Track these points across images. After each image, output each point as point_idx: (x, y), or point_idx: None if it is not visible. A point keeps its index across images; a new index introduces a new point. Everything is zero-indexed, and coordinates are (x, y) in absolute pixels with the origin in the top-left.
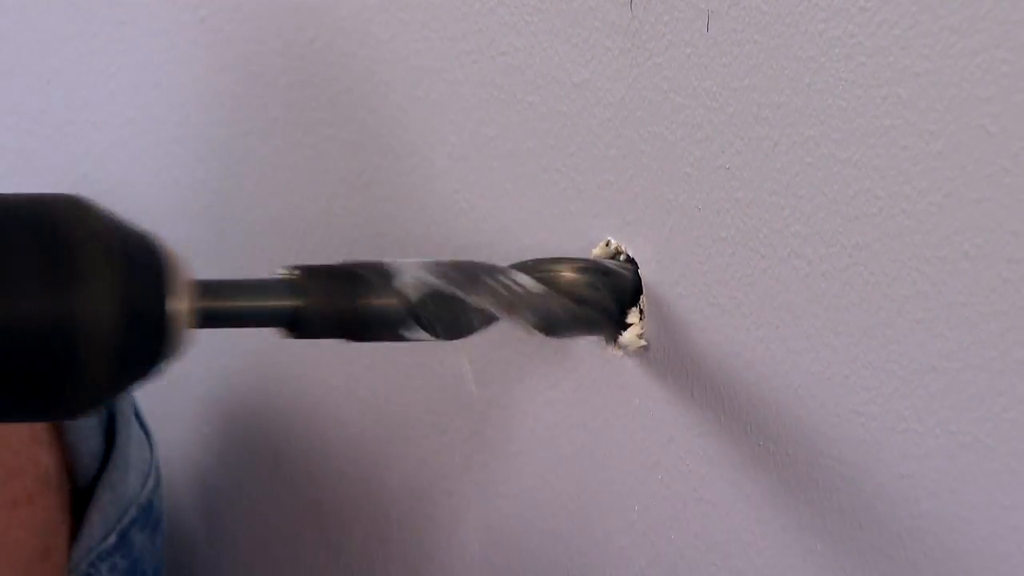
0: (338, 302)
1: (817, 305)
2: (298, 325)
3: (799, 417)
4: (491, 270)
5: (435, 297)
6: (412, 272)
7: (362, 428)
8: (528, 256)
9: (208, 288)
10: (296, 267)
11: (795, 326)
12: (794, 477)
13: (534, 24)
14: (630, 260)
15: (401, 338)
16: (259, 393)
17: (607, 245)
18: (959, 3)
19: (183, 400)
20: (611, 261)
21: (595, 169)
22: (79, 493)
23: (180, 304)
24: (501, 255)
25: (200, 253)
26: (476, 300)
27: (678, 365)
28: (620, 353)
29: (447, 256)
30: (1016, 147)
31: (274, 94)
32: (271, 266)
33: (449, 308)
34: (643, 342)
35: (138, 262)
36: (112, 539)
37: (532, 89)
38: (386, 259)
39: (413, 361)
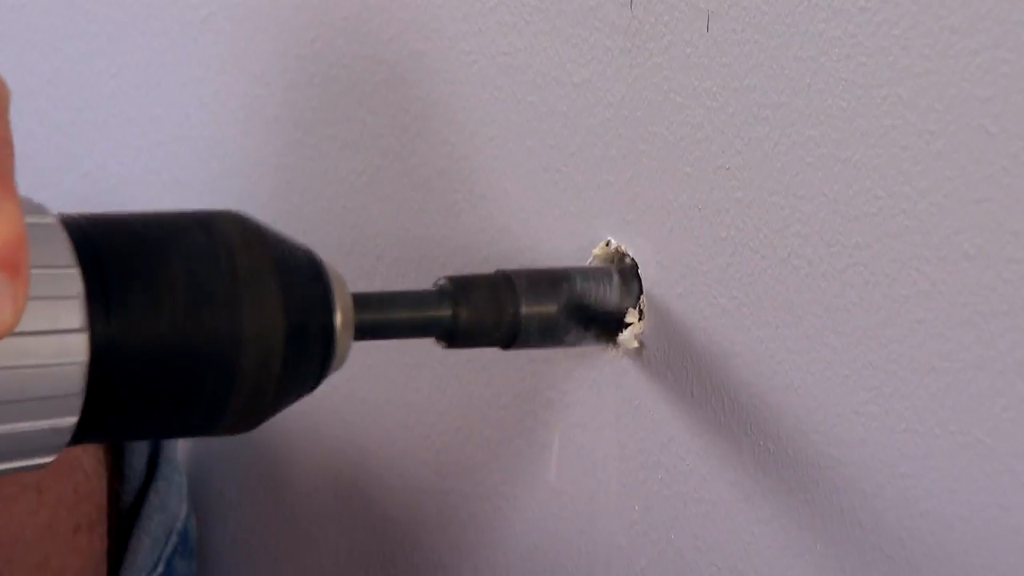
0: (494, 311)
1: (817, 305)
2: (455, 335)
3: (799, 417)
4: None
5: (584, 303)
6: (564, 278)
7: (361, 428)
8: (528, 256)
9: (366, 301)
10: (450, 277)
11: (795, 326)
12: (794, 477)
13: (534, 24)
14: (630, 260)
15: (555, 344)
16: None
17: (607, 245)
18: (959, 3)
19: None
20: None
21: (595, 169)
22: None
23: (341, 317)
24: (501, 255)
25: None
26: (623, 303)
27: (678, 365)
28: (620, 353)
29: (446, 256)
30: (1016, 147)
31: (274, 94)
32: None
33: (597, 313)
34: (642, 342)
35: (301, 276)
36: (161, 568)
37: (532, 89)
38: (538, 266)
39: (413, 361)
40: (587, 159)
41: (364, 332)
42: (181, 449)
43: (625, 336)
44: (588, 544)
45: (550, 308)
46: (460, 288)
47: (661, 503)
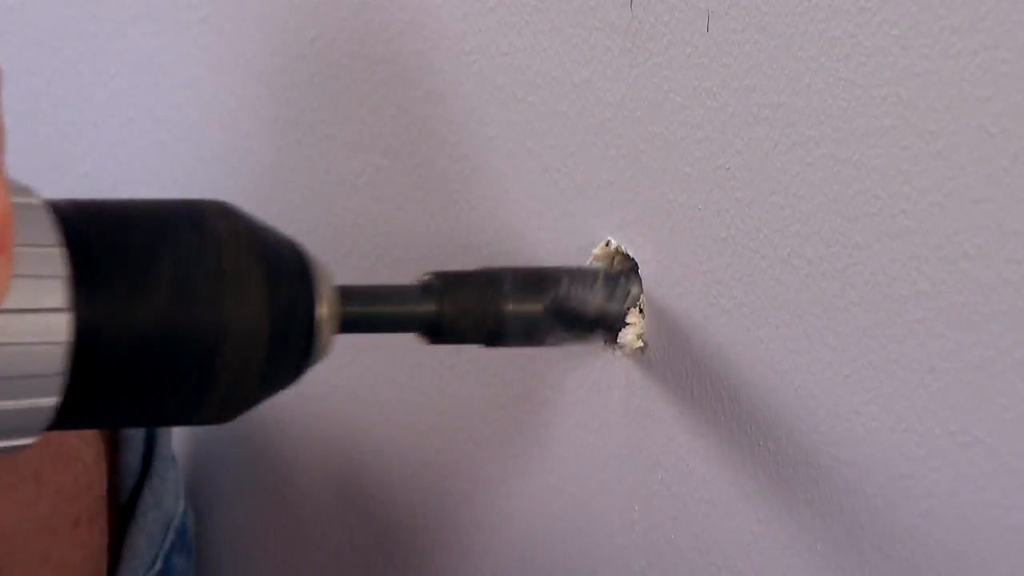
0: (478, 308)
1: (817, 305)
2: (439, 331)
3: (799, 417)
4: (622, 273)
5: (569, 305)
6: (551, 278)
7: (362, 428)
8: (528, 256)
9: (351, 294)
10: (435, 272)
11: (795, 326)
12: (794, 477)
13: (534, 24)
14: (630, 260)
15: (539, 343)
16: None
17: (607, 245)
18: (959, 3)
19: None
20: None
21: (595, 169)
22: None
23: (325, 310)
24: (501, 255)
25: None
26: (604, 305)
27: (678, 365)
28: (620, 353)
29: (446, 256)
30: (1016, 147)
31: (274, 94)
32: None
33: (580, 313)
34: (642, 342)
35: (286, 268)
36: (159, 565)
37: (532, 89)
38: (525, 264)
39: (413, 361)
40: (587, 159)
41: (347, 326)
42: (180, 447)
43: (626, 336)
44: (588, 544)
45: (535, 308)
46: (445, 284)
47: (661, 503)
